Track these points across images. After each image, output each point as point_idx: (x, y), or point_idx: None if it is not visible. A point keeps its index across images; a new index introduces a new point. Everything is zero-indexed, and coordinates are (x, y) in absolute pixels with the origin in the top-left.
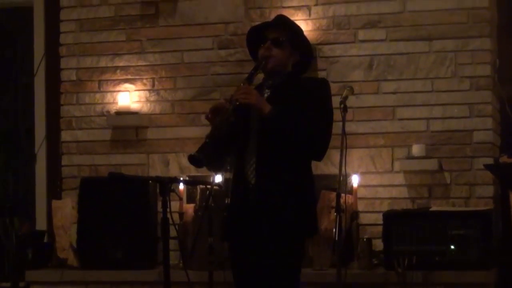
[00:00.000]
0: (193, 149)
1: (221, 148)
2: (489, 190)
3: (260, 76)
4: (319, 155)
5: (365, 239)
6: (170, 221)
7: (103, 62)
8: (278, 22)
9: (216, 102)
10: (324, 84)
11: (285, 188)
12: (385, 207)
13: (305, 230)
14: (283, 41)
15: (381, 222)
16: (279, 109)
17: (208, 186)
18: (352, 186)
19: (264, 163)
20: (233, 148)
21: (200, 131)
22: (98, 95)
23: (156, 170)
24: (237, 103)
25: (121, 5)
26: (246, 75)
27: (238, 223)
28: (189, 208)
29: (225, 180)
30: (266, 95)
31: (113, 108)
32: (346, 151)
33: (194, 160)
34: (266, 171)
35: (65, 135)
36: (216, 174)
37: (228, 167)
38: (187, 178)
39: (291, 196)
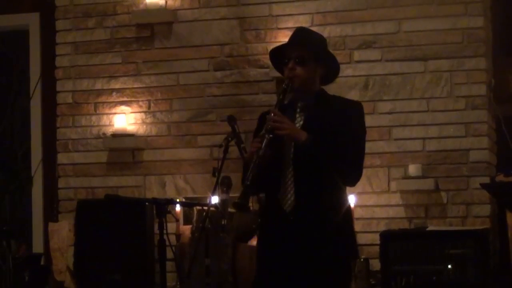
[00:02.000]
0: (189, 170)
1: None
2: (486, 209)
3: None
4: (354, 182)
5: (362, 259)
6: (167, 243)
7: (99, 84)
8: (297, 38)
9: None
10: (358, 108)
11: (323, 217)
12: (382, 227)
13: (350, 253)
14: (306, 58)
15: (378, 242)
16: (315, 137)
17: (205, 208)
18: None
19: (300, 191)
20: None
21: (196, 153)
22: (94, 118)
23: (153, 192)
24: (271, 135)
25: (117, 28)
26: (276, 102)
27: (275, 253)
28: (186, 229)
29: (222, 202)
30: (299, 119)
31: (110, 131)
32: None
33: (240, 207)
34: (303, 198)
35: (62, 158)
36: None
37: (225, 188)
38: (183, 200)
39: (330, 224)
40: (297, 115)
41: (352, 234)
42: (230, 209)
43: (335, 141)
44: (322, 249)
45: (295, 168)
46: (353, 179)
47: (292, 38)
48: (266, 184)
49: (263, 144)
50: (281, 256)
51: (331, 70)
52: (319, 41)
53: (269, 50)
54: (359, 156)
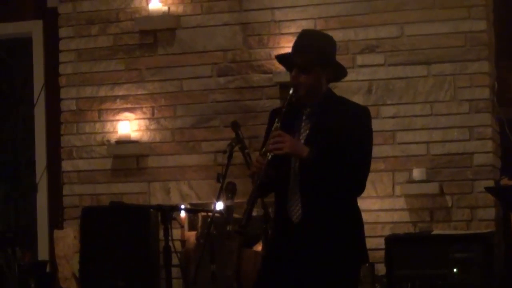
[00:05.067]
0: (194, 176)
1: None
2: (491, 213)
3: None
4: (358, 193)
5: (367, 264)
6: (172, 249)
7: (103, 91)
8: (300, 44)
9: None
10: (365, 114)
11: (331, 225)
12: (386, 232)
13: (358, 257)
14: (310, 65)
15: (383, 246)
16: (317, 152)
17: (210, 214)
18: None
19: (307, 203)
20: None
21: (200, 159)
22: (98, 125)
23: (157, 198)
24: (271, 155)
25: (120, 35)
26: (280, 115)
27: (283, 265)
28: (191, 235)
29: (226, 207)
30: (305, 127)
31: (114, 137)
32: None
33: (241, 234)
34: (311, 210)
35: (66, 165)
36: None
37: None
38: (188, 206)
39: (338, 231)
40: (303, 124)
41: (361, 238)
42: (235, 215)
43: (340, 153)
44: (330, 255)
45: (301, 179)
46: (356, 190)
47: (295, 44)
48: (274, 191)
49: (264, 165)
50: (286, 266)
51: (339, 71)
52: (325, 44)
53: (272, 56)
54: (363, 167)
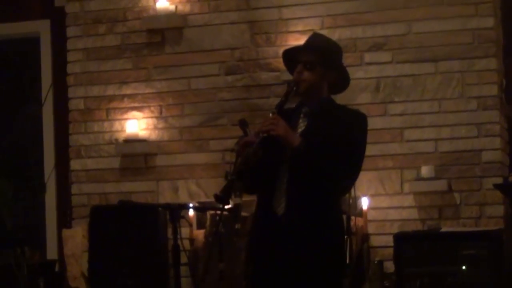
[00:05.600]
0: (202, 175)
1: (247, 180)
2: (499, 210)
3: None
4: (342, 192)
5: (376, 262)
6: (181, 248)
7: (111, 90)
8: (309, 43)
9: (244, 136)
10: (361, 119)
11: (314, 221)
12: (395, 229)
13: (337, 264)
14: (314, 63)
15: (392, 244)
16: (309, 142)
17: (218, 212)
18: (362, 209)
19: (293, 195)
20: (259, 178)
21: (208, 157)
22: (106, 124)
23: (166, 197)
24: (264, 135)
25: (127, 34)
26: (277, 102)
27: (265, 255)
28: (199, 234)
29: (235, 206)
30: (302, 124)
31: (122, 136)
32: None
33: (219, 199)
34: (295, 203)
35: (74, 164)
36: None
37: (238, 193)
38: (196, 204)
39: (320, 230)
40: (301, 121)
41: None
42: (243, 213)
43: (331, 149)
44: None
45: (290, 174)
46: (338, 190)
47: (305, 43)
48: (260, 187)
49: (256, 142)
50: (270, 259)
51: (341, 79)
52: (332, 48)
53: (279, 54)
54: (353, 165)
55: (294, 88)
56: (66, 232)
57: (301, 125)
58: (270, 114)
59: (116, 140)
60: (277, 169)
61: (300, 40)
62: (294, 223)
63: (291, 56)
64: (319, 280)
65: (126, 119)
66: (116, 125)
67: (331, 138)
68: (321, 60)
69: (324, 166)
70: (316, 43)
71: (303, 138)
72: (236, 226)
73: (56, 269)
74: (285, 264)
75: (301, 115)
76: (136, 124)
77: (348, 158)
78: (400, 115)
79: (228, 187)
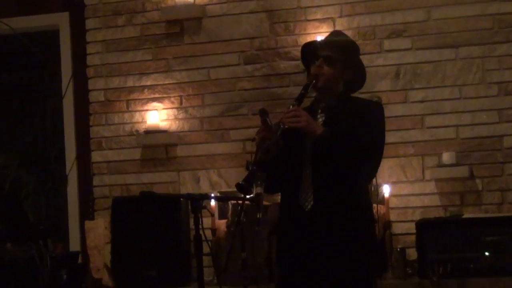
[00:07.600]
0: (223, 164)
1: (269, 171)
2: None
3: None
4: (367, 178)
5: (398, 249)
6: (203, 238)
7: (131, 81)
8: (330, 39)
9: (265, 125)
10: (378, 108)
11: (344, 213)
12: (417, 216)
13: (370, 250)
14: (334, 59)
15: (414, 231)
16: (331, 131)
17: (240, 202)
18: (383, 196)
19: (320, 188)
20: (281, 170)
21: (229, 147)
22: (126, 115)
23: (187, 187)
24: (285, 126)
25: (146, 25)
26: (297, 96)
27: (295, 250)
28: (221, 224)
29: (256, 195)
30: (320, 119)
31: (142, 127)
32: None
33: (241, 188)
34: (323, 196)
35: (96, 156)
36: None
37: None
38: (218, 194)
39: (351, 221)
40: (318, 116)
41: (371, 230)
42: (265, 202)
43: (352, 136)
44: (343, 248)
45: (314, 167)
46: (368, 173)
47: (325, 38)
48: (284, 183)
49: (277, 132)
50: (301, 259)
51: (357, 77)
52: (352, 47)
53: (298, 42)
54: (374, 155)
55: (313, 81)
56: (88, 224)
57: (320, 120)
58: (290, 106)
59: (137, 131)
60: (298, 164)
61: (319, 29)
62: (323, 217)
63: (310, 50)
64: (357, 273)
65: (147, 110)
66: (137, 116)
67: (351, 127)
68: (341, 57)
69: (349, 153)
70: (337, 41)
71: (326, 128)
72: (258, 216)
73: (79, 261)
74: (318, 261)
75: (319, 111)
76: (157, 115)
77: (371, 144)
78: (421, 101)
79: (250, 176)
